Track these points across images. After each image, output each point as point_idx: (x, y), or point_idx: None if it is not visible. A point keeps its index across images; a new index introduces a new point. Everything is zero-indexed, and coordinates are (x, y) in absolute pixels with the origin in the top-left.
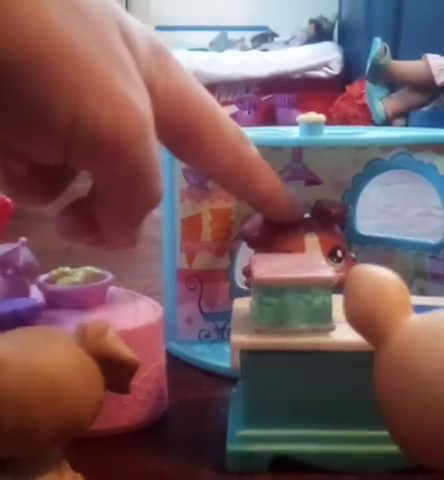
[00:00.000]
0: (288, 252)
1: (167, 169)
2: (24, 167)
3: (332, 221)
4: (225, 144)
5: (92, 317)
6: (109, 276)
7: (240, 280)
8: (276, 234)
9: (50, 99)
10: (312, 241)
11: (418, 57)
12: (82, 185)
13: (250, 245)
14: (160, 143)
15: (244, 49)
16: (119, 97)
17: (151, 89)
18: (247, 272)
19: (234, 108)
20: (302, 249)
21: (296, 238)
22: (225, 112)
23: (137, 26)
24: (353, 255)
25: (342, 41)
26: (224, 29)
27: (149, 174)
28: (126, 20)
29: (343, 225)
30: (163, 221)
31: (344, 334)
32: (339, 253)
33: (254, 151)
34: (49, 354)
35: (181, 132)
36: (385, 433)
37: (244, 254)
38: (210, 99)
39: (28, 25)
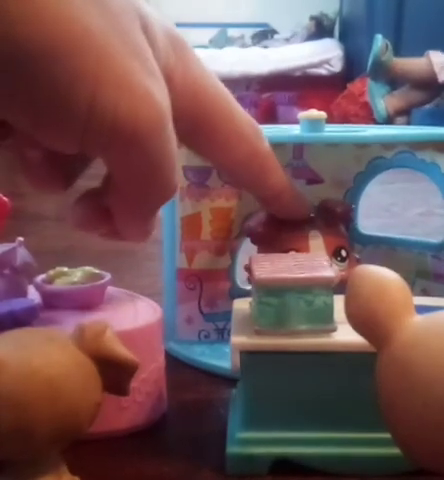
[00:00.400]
0: (292, 250)
1: None
2: (40, 153)
3: (337, 220)
4: (239, 136)
5: (90, 318)
6: (107, 276)
7: (241, 280)
8: (280, 231)
9: (68, 88)
10: (316, 240)
11: (420, 54)
12: (85, 184)
13: (253, 241)
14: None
15: (244, 46)
16: (137, 87)
17: (169, 79)
18: (248, 269)
19: None
20: (306, 248)
21: (300, 236)
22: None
23: (156, 17)
24: (357, 256)
25: (343, 38)
26: (224, 26)
27: (166, 165)
28: (146, 11)
29: (347, 225)
30: (163, 220)
31: (345, 335)
32: (343, 253)
33: (267, 145)
34: (47, 355)
35: (196, 122)
36: (386, 435)
37: (245, 253)
38: (225, 91)
39: (48, 14)
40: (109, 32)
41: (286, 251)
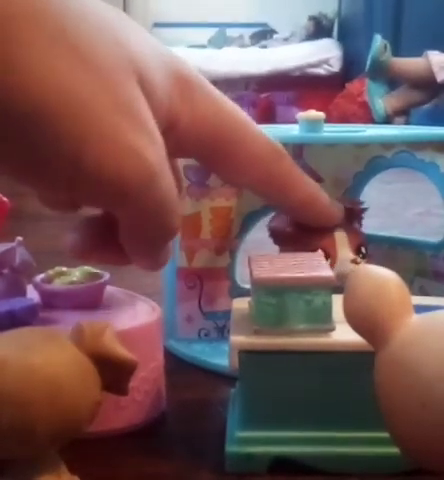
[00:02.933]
0: (319, 248)
1: None
2: None
3: (356, 218)
4: (253, 161)
5: (89, 317)
6: (106, 276)
7: (240, 278)
8: (306, 231)
9: (52, 147)
10: (342, 237)
11: (419, 54)
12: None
13: (279, 241)
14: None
15: (243, 46)
16: (123, 145)
17: (174, 123)
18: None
19: None
20: (333, 245)
21: (327, 234)
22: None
23: (165, 59)
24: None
25: (342, 38)
26: (222, 26)
27: (160, 215)
28: (147, 62)
29: (361, 222)
30: None
31: (344, 334)
32: (363, 250)
33: (287, 164)
34: (47, 354)
35: (207, 154)
36: (385, 435)
37: (244, 252)
38: (239, 117)
39: (32, 76)
40: (96, 90)
41: (313, 250)
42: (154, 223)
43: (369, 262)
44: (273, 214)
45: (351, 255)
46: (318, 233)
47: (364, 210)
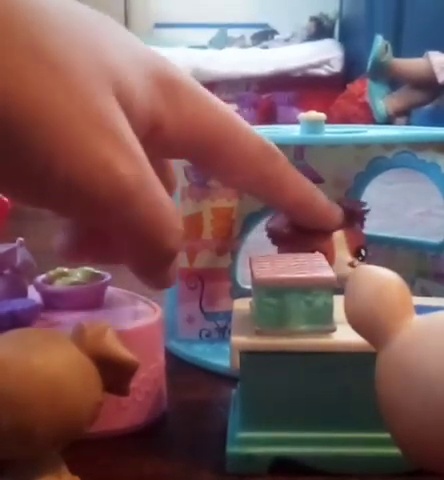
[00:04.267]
0: (317, 250)
1: None
2: None
3: (356, 219)
4: (245, 161)
5: (90, 318)
6: (108, 276)
7: (241, 279)
8: (304, 232)
9: (22, 157)
10: (340, 239)
11: (420, 55)
12: None
13: (277, 242)
14: (178, 159)
15: (244, 47)
16: (92, 158)
17: (159, 124)
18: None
19: (234, 106)
20: (331, 247)
21: (325, 236)
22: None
23: (142, 59)
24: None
25: (343, 39)
26: (224, 26)
27: (147, 232)
28: (123, 67)
29: (363, 223)
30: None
31: (345, 335)
32: (363, 252)
33: (281, 164)
34: (48, 355)
35: (198, 155)
36: (386, 435)
37: (245, 253)
38: (230, 117)
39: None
40: (64, 99)
41: (311, 251)
42: (142, 241)
43: (370, 263)
44: (272, 214)
45: (349, 257)
46: (316, 234)
47: (366, 212)
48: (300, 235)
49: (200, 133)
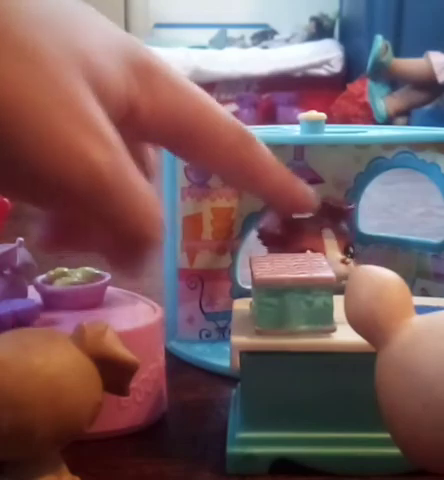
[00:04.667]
0: (308, 250)
1: (168, 167)
2: None
3: (343, 218)
4: (222, 147)
5: (90, 318)
6: (108, 276)
7: (241, 279)
8: (295, 232)
9: None
10: (330, 238)
11: (420, 55)
12: None
13: (268, 243)
14: (156, 146)
15: (244, 47)
16: (62, 145)
17: (134, 108)
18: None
19: (234, 106)
20: (321, 247)
21: (315, 236)
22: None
23: (116, 44)
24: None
25: (343, 39)
26: (224, 26)
27: (121, 217)
28: (95, 51)
29: (348, 222)
30: (164, 220)
31: (345, 335)
32: (351, 250)
33: (257, 148)
34: (48, 355)
35: (174, 141)
36: (386, 435)
37: (245, 253)
38: (205, 103)
39: None
40: (31, 82)
41: (302, 251)
42: (117, 228)
43: (370, 263)
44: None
45: (340, 255)
46: (307, 234)
47: (351, 210)
48: (291, 235)
49: (177, 118)
